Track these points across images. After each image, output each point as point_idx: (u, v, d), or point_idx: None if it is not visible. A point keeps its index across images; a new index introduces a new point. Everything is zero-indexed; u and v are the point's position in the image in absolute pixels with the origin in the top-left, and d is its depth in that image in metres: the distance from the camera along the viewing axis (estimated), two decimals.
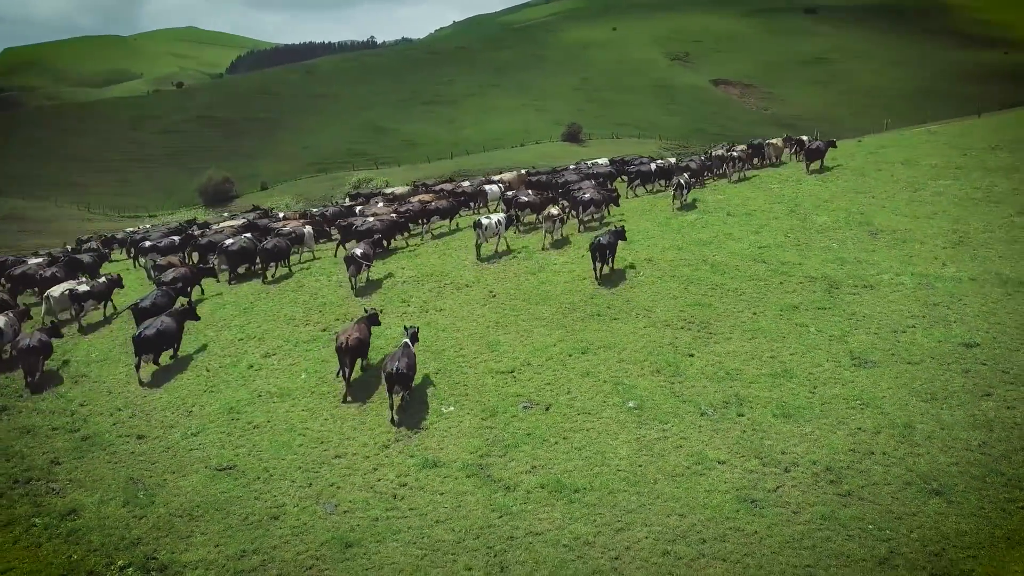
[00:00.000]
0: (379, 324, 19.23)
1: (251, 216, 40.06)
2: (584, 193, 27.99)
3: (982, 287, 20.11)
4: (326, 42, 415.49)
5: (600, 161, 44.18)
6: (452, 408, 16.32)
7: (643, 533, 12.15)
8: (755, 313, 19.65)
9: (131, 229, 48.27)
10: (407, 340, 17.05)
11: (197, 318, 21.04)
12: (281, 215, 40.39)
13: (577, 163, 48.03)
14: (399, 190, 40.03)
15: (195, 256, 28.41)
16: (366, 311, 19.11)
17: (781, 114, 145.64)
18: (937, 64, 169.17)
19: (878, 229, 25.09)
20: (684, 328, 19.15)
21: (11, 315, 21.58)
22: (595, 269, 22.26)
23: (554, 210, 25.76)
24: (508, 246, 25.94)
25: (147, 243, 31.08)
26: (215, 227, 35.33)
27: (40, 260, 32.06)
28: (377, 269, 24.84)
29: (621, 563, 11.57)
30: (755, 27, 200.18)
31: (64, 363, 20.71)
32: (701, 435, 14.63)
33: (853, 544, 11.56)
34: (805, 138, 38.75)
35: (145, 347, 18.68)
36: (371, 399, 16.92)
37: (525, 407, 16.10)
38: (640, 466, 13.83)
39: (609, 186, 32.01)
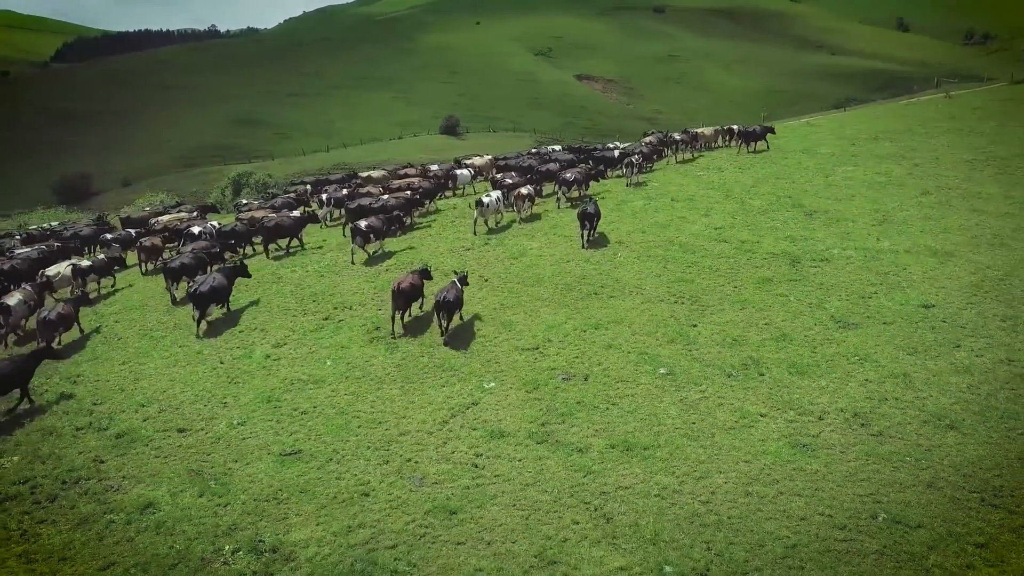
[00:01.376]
0: (431, 279, 21.20)
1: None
2: (567, 174, 30.55)
3: (917, 258, 22.99)
4: (164, 30, 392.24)
5: (556, 148, 46.34)
6: (493, 384, 17.07)
7: (721, 479, 13.51)
8: (736, 287, 21.57)
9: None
10: (456, 280, 19.80)
11: (248, 275, 22.92)
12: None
13: (537, 150, 49.46)
14: (376, 174, 40.06)
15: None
16: (418, 265, 21.93)
17: (643, 109, 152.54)
18: (775, 64, 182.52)
19: (811, 210, 27.85)
20: (678, 303, 20.76)
21: (28, 288, 22.46)
22: (581, 236, 25.00)
23: (524, 190, 27.14)
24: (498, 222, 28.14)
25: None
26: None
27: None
28: (360, 255, 24.98)
29: (713, 505, 12.87)
30: (610, 25, 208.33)
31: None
32: (735, 393, 16.21)
33: (901, 474, 13.43)
34: (735, 126, 42.01)
35: (201, 302, 20.36)
36: (411, 381, 17.38)
37: (564, 379, 17.10)
38: (693, 423, 15.21)
39: (595, 170, 33.91)
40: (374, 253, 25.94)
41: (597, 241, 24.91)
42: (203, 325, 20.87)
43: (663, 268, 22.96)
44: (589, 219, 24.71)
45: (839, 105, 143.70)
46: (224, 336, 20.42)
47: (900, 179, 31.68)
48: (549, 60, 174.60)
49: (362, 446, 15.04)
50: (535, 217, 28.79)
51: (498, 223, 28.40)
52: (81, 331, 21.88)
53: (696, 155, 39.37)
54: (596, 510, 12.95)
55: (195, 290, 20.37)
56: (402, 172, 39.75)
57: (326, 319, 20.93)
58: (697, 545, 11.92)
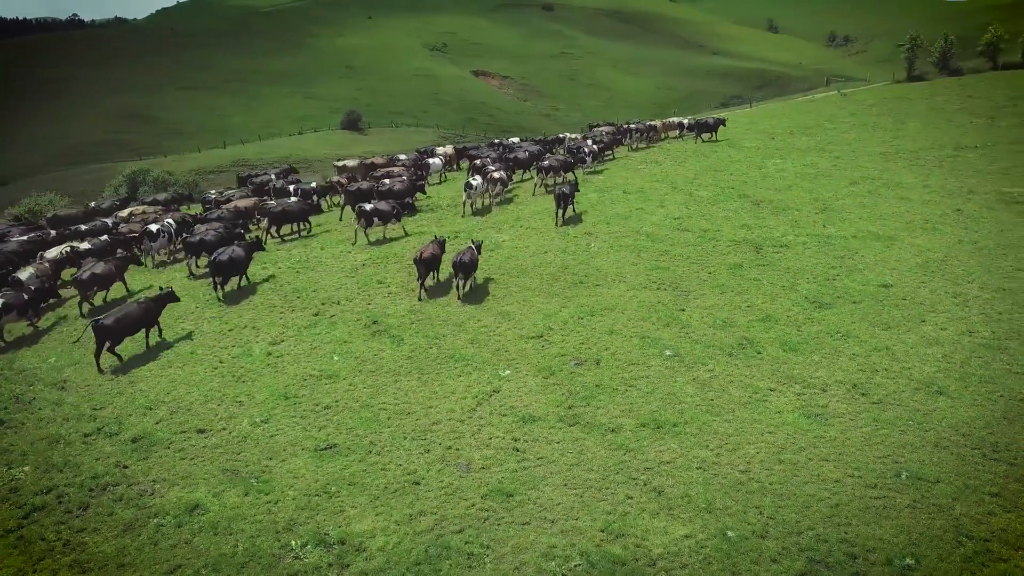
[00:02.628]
0: (444, 251, 22.66)
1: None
2: (545, 161, 32.78)
3: (864, 242, 24.88)
4: (20, 19, 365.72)
5: (515, 140, 48.03)
6: (509, 372, 17.43)
7: (754, 450, 14.43)
8: (710, 273, 22.74)
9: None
10: (472, 245, 21.81)
11: (263, 248, 24.38)
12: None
13: (500, 141, 50.08)
14: (350, 163, 39.60)
15: None
16: (436, 236, 23.48)
17: (541, 106, 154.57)
18: (662, 64, 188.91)
19: (757, 200, 29.53)
20: (660, 289, 21.71)
21: (44, 265, 23.81)
22: (557, 214, 27.29)
23: (497, 175, 29.51)
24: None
25: None
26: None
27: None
28: (328, 252, 24.69)
29: (752, 473, 13.75)
30: (501, 22, 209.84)
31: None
32: (741, 371, 17.22)
33: (908, 436, 14.73)
34: (685, 120, 45.00)
35: (219, 270, 21.85)
36: (426, 372, 17.50)
37: (576, 364, 17.66)
38: (712, 400, 16.09)
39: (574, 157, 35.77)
40: (381, 238, 27.12)
41: (566, 232, 25.62)
42: (220, 292, 22.36)
43: (637, 257, 23.87)
44: (564, 199, 27.06)
45: (726, 103, 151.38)
46: (214, 335, 19.83)
47: (827, 170, 33.97)
48: (445, 56, 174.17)
49: (398, 437, 15.11)
50: (500, 208, 29.25)
51: (484, 204, 30.68)
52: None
53: (649, 145, 41.20)
54: (645, 484, 13.58)
55: (215, 258, 21.92)
56: (369, 162, 40.16)
57: (316, 315, 20.67)
58: (749, 511, 12.74)
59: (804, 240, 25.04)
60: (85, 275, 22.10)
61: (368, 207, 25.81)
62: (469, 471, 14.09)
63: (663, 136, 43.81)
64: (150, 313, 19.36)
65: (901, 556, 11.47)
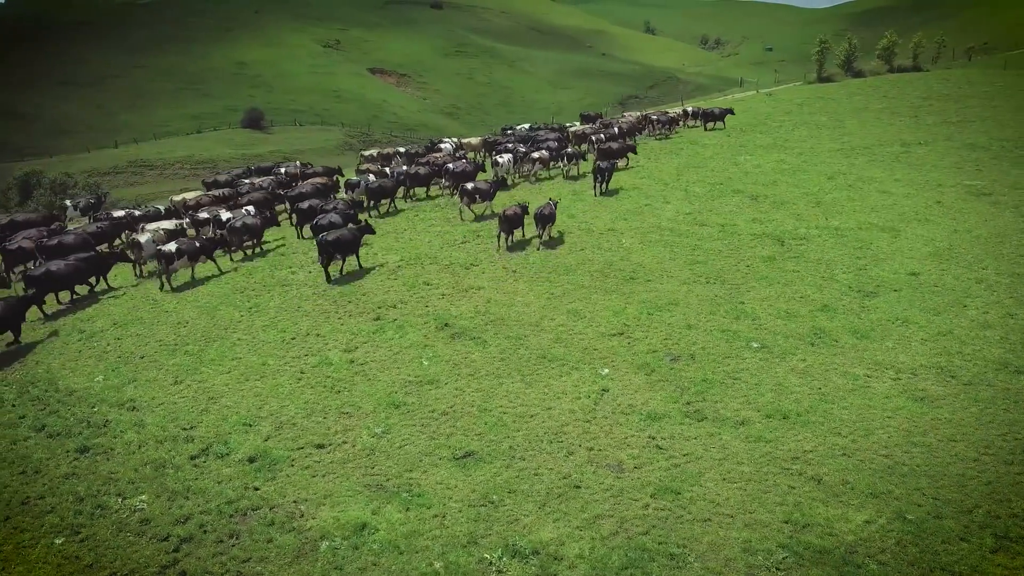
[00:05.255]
0: (528, 212, 25.43)
1: None
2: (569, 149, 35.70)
3: (872, 233, 26.14)
4: None
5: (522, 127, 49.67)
6: (607, 370, 17.27)
7: (884, 435, 14.88)
8: (748, 266, 23.29)
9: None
10: (551, 201, 25.27)
11: (373, 231, 25.04)
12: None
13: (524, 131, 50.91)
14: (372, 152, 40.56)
15: None
16: (519, 204, 25.73)
17: (441, 103, 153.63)
18: (555, 63, 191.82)
19: (752, 195, 30.49)
20: (709, 283, 22.05)
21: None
22: (595, 188, 30.94)
23: (535, 154, 33.24)
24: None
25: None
26: None
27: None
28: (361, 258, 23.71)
29: (896, 457, 14.15)
30: (392, 19, 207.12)
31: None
32: (831, 360, 17.74)
33: (1013, 414, 15.60)
34: (689, 108, 48.66)
35: (325, 249, 22.28)
36: (525, 373, 17.07)
37: (672, 360, 17.70)
38: (819, 389, 16.49)
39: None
40: (481, 213, 29.15)
41: (590, 228, 25.71)
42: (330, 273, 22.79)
43: (671, 252, 24.16)
44: (602, 173, 30.84)
45: (622, 102, 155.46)
46: (276, 344, 18.60)
47: (799, 166, 35.48)
48: (339, 53, 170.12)
49: (533, 440, 14.67)
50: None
51: (514, 181, 33.94)
52: None
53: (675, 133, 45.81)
54: (800, 474, 13.77)
55: (321, 238, 22.45)
56: (389, 152, 41.09)
57: (377, 319, 19.76)
58: (913, 493, 13.15)
59: (817, 232, 26.04)
60: (238, 223, 25.22)
61: (469, 186, 28.33)
62: (623, 471, 13.87)
63: (683, 125, 47.84)
64: (356, 239, 23.22)
65: None
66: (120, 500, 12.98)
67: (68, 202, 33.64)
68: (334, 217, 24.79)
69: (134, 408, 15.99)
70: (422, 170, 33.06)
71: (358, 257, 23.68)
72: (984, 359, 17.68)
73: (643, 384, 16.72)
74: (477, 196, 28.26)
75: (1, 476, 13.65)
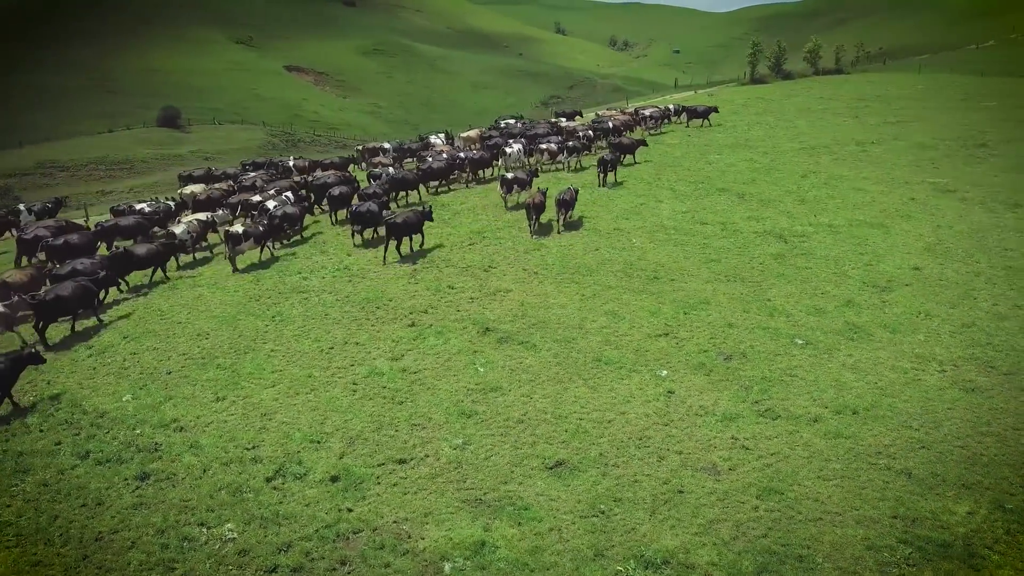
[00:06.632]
0: (547, 197, 26.51)
1: None
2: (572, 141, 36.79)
3: (863, 230, 26.94)
4: None
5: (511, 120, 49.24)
6: (666, 372, 17.09)
7: (953, 426, 15.21)
8: (761, 263, 23.59)
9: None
10: (571, 188, 26.77)
11: (432, 219, 25.49)
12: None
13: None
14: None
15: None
16: (540, 188, 27.02)
17: (362, 103, 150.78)
18: (474, 63, 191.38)
19: (738, 194, 30.98)
20: (731, 281, 22.21)
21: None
22: (600, 178, 32.13)
23: (544, 145, 35.44)
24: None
25: None
26: None
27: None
28: (368, 261, 22.76)
29: (971, 448, 14.45)
30: (305, 14, 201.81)
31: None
32: (875, 354, 18.08)
33: None
34: (671, 107, 49.01)
35: (395, 231, 23.29)
36: (587, 377, 16.70)
37: (726, 359, 17.67)
38: (875, 383, 16.76)
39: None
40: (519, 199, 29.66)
41: (596, 228, 25.61)
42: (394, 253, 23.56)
43: (684, 251, 24.24)
44: (606, 164, 32.21)
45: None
46: (314, 355, 17.58)
47: (771, 165, 36.34)
48: (253, 50, 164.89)
49: (618, 447, 14.32)
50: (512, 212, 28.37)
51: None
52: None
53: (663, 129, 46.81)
54: (888, 468, 13.91)
55: (391, 219, 23.41)
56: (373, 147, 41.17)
57: (412, 326, 18.98)
58: (1001, 483, 13.48)
59: (813, 230, 26.65)
60: (279, 212, 25.38)
61: (510, 176, 29.50)
62: (719, 474, 13.70)
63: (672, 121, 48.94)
64: (419, 220, 24.13)
65: None
66: (205, 530, 11.91)
67: (22, 206, 31.13)
68: (371, 205, 25.41)
69: (181, 429, 14.78)
70: (437, 164, 33.53)
71: (423, 236, 24.96)
72: (1014, 349, 18.38)
73: (706, 385, 16.60)
74: (515, 185, 29.44)
75: (61, 510, 12.33)
